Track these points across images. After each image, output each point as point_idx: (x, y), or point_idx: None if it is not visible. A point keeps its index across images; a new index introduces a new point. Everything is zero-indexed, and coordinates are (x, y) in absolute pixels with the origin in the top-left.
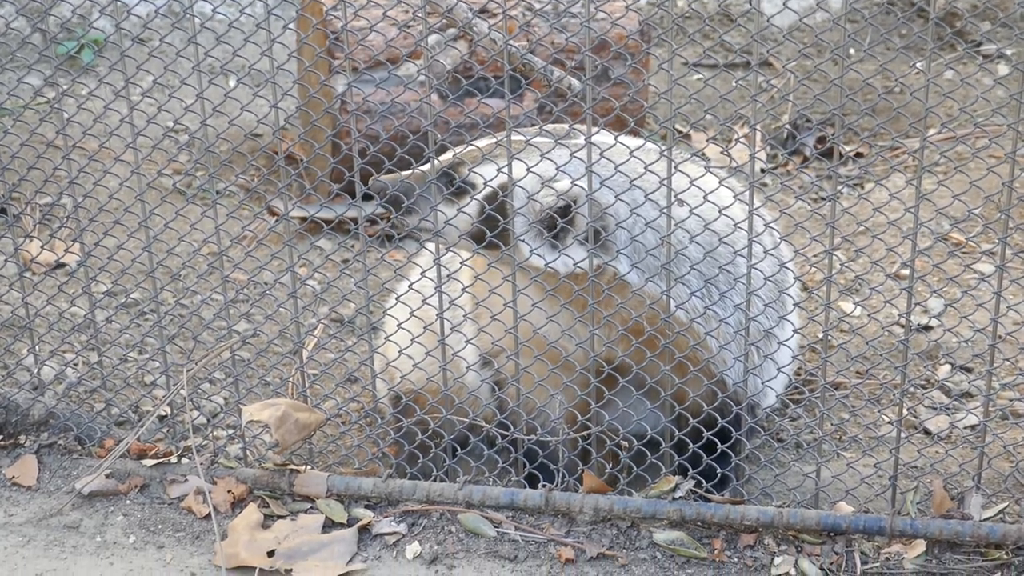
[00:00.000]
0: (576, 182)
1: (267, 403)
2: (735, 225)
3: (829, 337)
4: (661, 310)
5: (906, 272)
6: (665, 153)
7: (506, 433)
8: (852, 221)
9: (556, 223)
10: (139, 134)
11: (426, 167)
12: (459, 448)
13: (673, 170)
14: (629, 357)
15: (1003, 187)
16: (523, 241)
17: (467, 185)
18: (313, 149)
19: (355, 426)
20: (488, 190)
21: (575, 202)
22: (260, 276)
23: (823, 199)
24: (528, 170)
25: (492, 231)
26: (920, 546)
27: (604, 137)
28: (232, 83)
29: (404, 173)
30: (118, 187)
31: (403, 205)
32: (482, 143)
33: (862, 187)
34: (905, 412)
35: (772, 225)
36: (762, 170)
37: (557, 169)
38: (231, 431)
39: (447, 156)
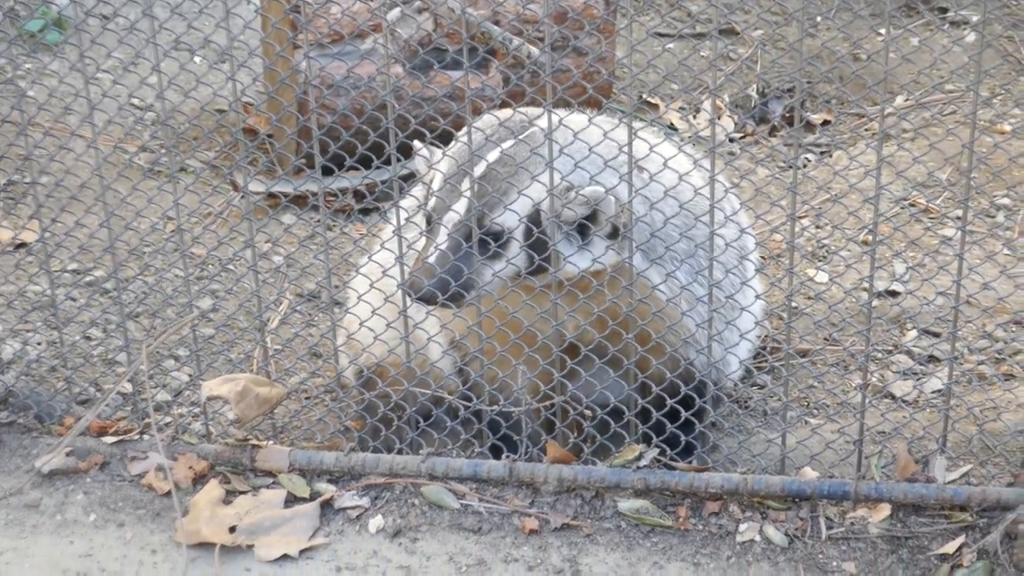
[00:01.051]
0: (595, 179)
1: (227, 378)
2: (695, 191)
3: (794, 303)
4: (647, 294)
5: (870, 237)
6: (624, 120)
7: (469, 405)
8: (818, 189)
9: (584, 226)
10: (97, 108)
11: (448, 236)
12: (422, 421)
13: (633, 138)
14: (599, 333)
15: (963, 149)
16: (559, 252)
17: (498, 235)
18: (275, 122)
19: (318, 400)
20: (522, 225)
21: (599, 203)
22: (223, 251)
23: (789, 166)
24: (550, 192)
25: (537, 255)
26: (885, 510)
27: (579, 118)
28: (197, 60)
29: (431, 258)
30: (91, 165)
31: (459, 295)
32: (478, 168)
33: (830, 155)
34: (871, 377)
35: (731, 191)
36: (729, 139)
37: (575, 165)
38: (193, 408)
39: (461, 208)
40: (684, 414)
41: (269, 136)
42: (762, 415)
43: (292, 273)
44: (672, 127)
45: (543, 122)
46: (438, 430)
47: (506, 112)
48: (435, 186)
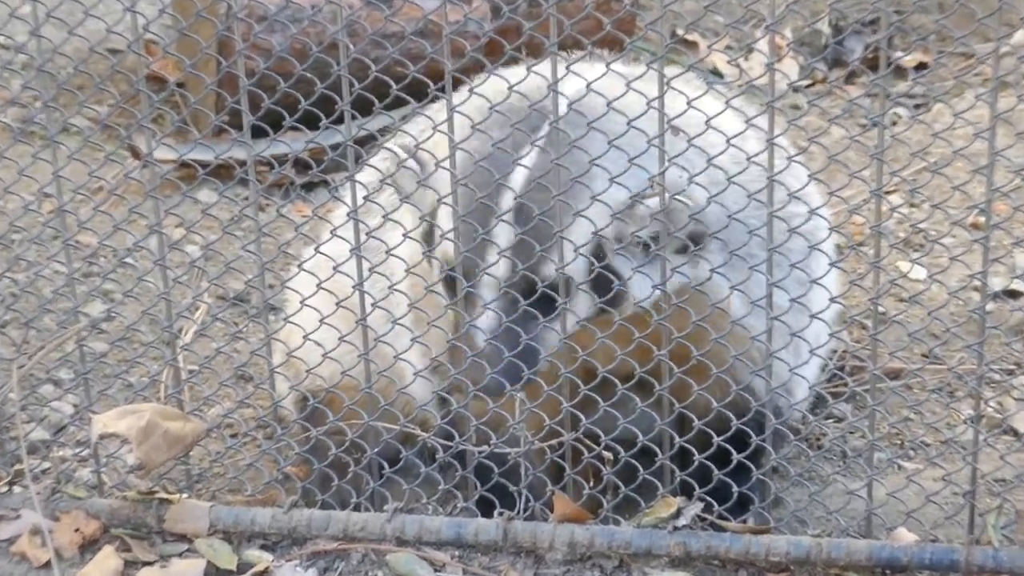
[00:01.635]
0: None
1: (126, 410)
2: (748, 160)
3: (881, 308)
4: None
5: (982, 219)
6: (654, 67)
7: (451, 444)
8: (912, 155)
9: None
10: None
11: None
12: (387, 466)
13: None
14: (641, 365)
15: None
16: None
17: (560, 287)
18: (188, 68)
19: (247, 439)
20: (585, 263)
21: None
22: (119, 240)
23: (873, 124)
24: (613, 216)
25: (600, 296)
26: None
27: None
28: None
29: (481, 332)
30: None
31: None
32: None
33: (928, 109)
34: (985, 407)
35: (795, 159)
36: (793, 88)
37: (630, 162)
38: (80, 449)
39: (502, 261)
40: (736, 456)
41: (180, 86)
42: (840, 458)
43: (212, 269)
44: (716, 72)
45: (569, 90)
46: (408, 478)
47: (517, 71)
48: (443, 222)
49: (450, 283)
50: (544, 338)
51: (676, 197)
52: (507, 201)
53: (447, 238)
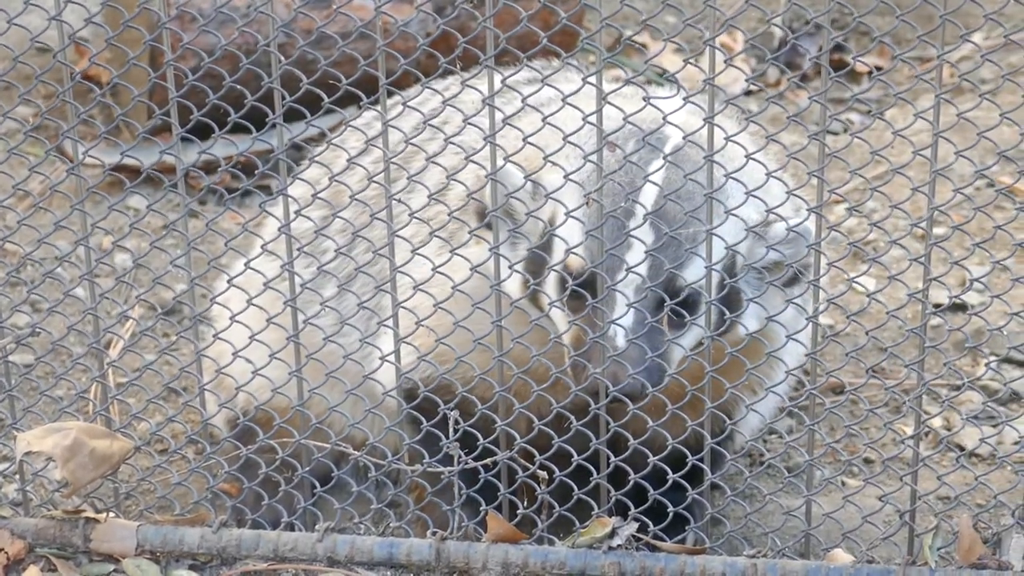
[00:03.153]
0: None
1: (52, 428)
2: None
3: (826, 321)
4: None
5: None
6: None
7: (381, 463)
8: (866, 159)
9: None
10: None
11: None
12: (319, 484)
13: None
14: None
15: None
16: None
17: (692, 300)
18: (122, 68)
19: (177, 456)
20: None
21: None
22: (45, 250)
23: (829, 132)
24: (748, 230)
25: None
26: None
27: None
28: None
29: (619, 337)
30: None
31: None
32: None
33: (882, 115)
34: (928, 423)
35: (776, 173)
36: (747, 91)
37: (745, 195)
38: (5, 467)
39: (641, 265)
40: (672, 476)
41: (112, 88)
42: (780, 475)
43: (142, 280)
44: (664, 75)
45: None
46: (340, 496)
47: (450, 84)
48: (570, 235)
49: (574, 295)
50: (669, 353)
51: (792, 229)
52: (640, 213)
53: (574, 252)
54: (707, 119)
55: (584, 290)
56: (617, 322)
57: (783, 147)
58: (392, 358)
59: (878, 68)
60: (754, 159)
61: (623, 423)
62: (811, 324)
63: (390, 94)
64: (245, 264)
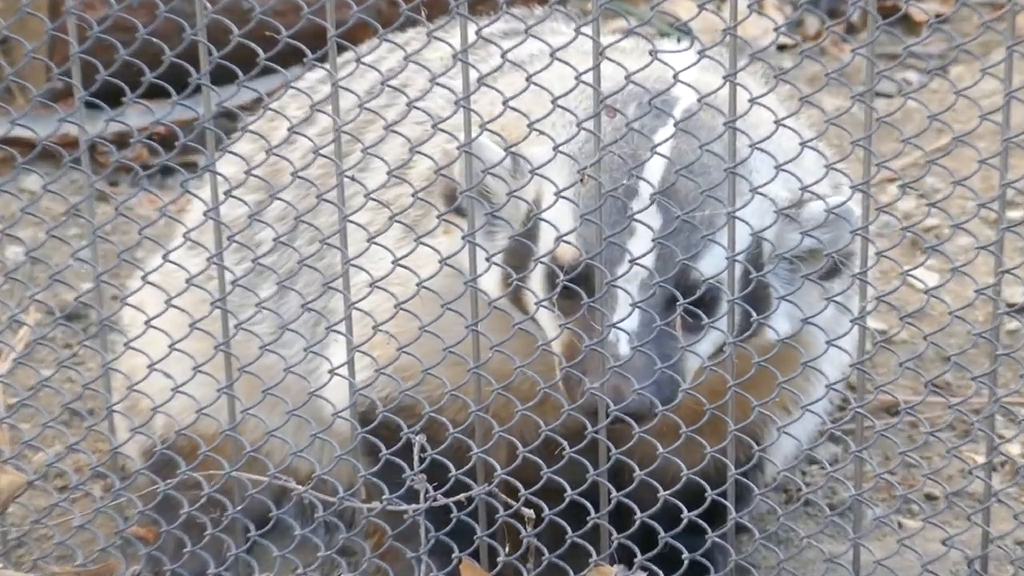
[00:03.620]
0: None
1: None
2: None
3: (875, 325)
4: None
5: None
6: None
7: (331, 500)
8: (924, 126)
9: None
10: None
11: None
12: (254, 527)
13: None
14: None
15: None
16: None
17: (711, 296)
18: (13, 18)
19: (80, 494)
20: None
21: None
22: None
23: (882, 94)
24: (778, 212)
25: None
26: None
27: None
28: None
29: (621, 343)
30: None
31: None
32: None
33: (946, 72)
34: (1003, 449)
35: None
36: (779, 46)
37: (777, 167)
38: None
39: (647, 255)
40: (687, 514)
41: (1, 43)
42: (822, 514)
43: (39, 278)
44: (681, 28)
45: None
46: (280, 542)
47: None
48: (559, 220)
49: (566, 292)
50: (683, 358)
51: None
52: (645, 192)
53: (565, 240)
54: (727, 76)
55: (578, 286)
56: (619, 325)
57: (821, 111)
58: (344, 372)
59: (938, 16)
60: (784, 125)
61: (627, 449)
62: (857, 327)
63: (340, 49)
64: (163, 257)
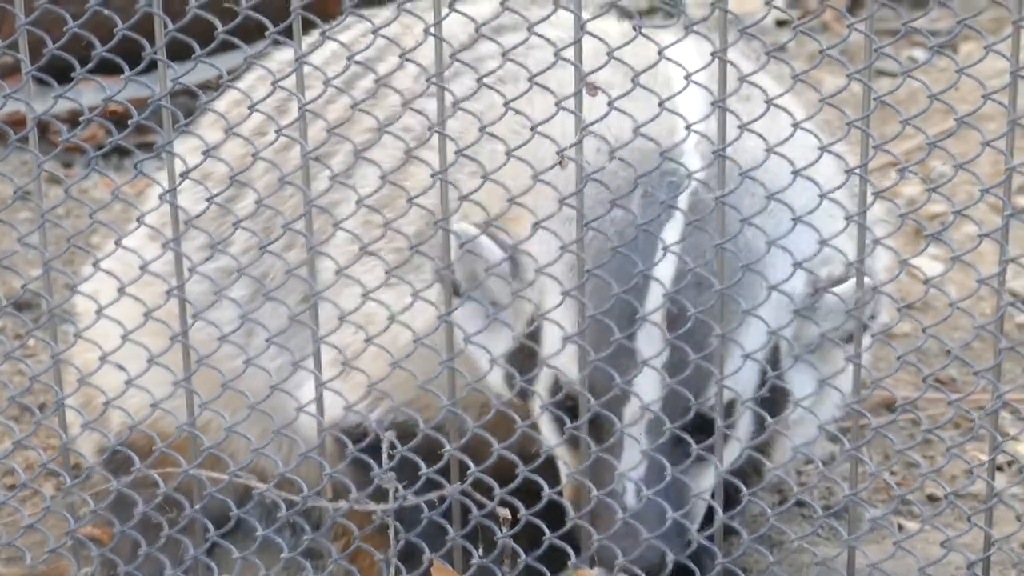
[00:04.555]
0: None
1: None
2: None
3: (874, 317)
4: None
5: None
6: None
7: (295, 499)
8: (936, 110)
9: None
10: None
11: None
12: (214, 528)
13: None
14: None
15: None
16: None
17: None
18: None
19: (29, 492)
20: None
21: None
22: None
23: (886, 73)
24: (797, 313)
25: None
26: None
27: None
28: None
29: (628, 492)
30: None
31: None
32: None
33: (953, 51)
34: (1007, 447)
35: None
36: (779, 22)
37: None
38: None
39: (652, 387)
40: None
41: None
42: (815, 516)
43: None
44: (671, 3)
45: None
46: (242, 543)
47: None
48: (552, 339)
49: (558, 420)
50: (700, 477)
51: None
52: (654, 300)
53: (552, 365)
54: (716, 53)
55: (586, 424)
56: (628, 475)
57: (816, 90)
58: (334, 386)
59: None
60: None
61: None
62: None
63: (307, 25)
64: (116, 242)
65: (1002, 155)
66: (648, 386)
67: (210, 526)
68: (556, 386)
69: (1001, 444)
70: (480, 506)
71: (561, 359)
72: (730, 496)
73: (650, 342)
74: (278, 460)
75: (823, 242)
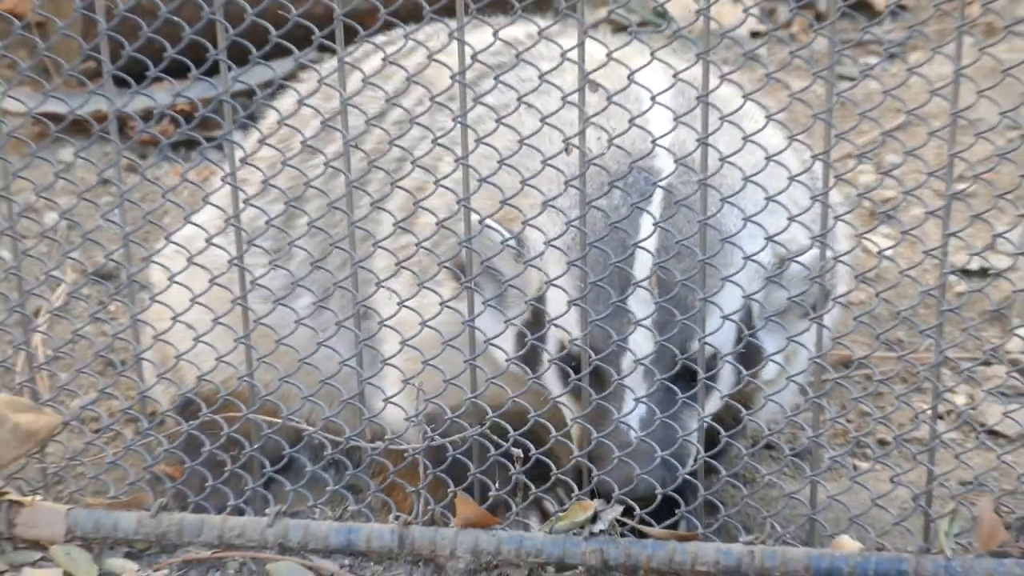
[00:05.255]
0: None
1: None
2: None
3: (837, 286)
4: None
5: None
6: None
7: (339, 439)
8: (888, 109)
9: None
10: None
11: None
12: (269, 465)
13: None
14: None
15: None
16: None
17: (709, 363)
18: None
19: (112, 434)
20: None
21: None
22: None
23: (846, 77)
24: (768, 279)
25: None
26: None
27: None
28: None
29: (631, 425)
30: None
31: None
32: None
33: (904, 59)
34: (947, 399)
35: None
36: (753, 33)
37: (766, 200)
38: None
39: (645, 334)
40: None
41: (40, 26)
42: (782, 455)
43: (73, 240)
44: (661, 14)
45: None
46: (293, 478)
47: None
48: (555, 304)
49: (564, 374)
50: (686, 421)
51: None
52: (642, 268)
53: (556, 324)
54: (700, 54)
55: (588, 371)
56: (626, 420)
57: (786, 87)
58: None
59: (901, 6)
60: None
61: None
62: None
63: (349, 33)
64: (185, 219)
65: (945, 145)
66: (641, 339)
67: (266, 463)
68: (561, 344)
69: (942, 394)
70: (497, 447)
71: (566, 320)
72: (713, 440)
73: (641, 304)
74: (325, 406)
75: (792, 218)
